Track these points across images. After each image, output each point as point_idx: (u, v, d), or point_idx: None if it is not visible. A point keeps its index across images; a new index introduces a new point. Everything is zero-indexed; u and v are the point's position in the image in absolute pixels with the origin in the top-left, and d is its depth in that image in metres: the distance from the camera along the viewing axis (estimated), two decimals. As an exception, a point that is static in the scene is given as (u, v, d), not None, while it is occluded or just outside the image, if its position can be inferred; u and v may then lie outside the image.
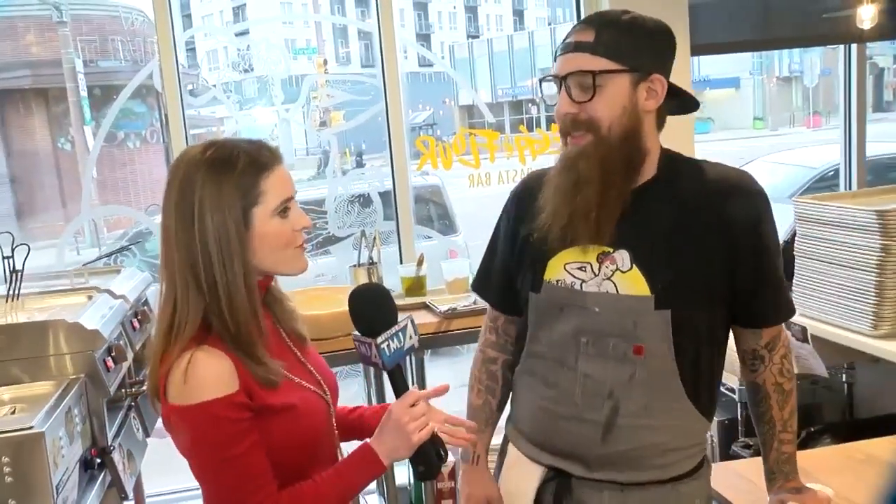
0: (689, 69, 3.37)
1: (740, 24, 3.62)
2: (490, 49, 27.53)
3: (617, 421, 1.39)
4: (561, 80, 1.38)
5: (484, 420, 1.62)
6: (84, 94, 13.60)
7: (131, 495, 2.02)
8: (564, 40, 1.40)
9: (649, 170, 1.41)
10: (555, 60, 1.42)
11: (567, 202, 1.38)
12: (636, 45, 1.35)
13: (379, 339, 1.28)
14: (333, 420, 1.39)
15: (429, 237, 3.51)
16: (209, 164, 1.23)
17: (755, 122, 28.15)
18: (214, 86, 3.65)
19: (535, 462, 1.50)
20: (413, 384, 1.39)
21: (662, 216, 1.39)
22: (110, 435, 1.98)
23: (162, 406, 1.24)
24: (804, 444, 2.15)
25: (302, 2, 28.42)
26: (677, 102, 1.44)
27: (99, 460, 1.92)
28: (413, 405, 1.30)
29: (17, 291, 2.02)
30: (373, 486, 3.24)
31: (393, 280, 3.20)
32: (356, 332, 1.32)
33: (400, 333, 1.31)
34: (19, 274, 2.02)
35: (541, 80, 1.48)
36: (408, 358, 2.94)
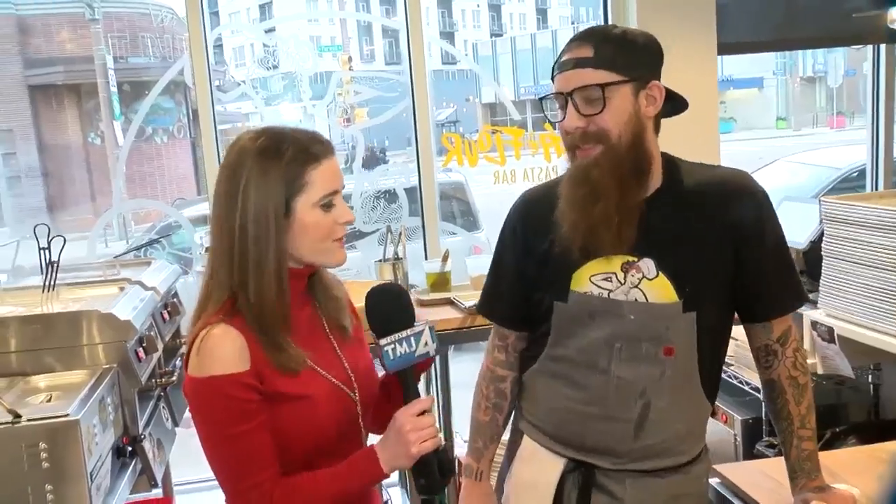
0: (715, 69, 3.35)
1: (767, 24, 3.60)
2: (513, 47, 27.50)
3: (649, 417, 1.46)
4: (566, 96, 1.42)
5: (489, 436, 1.66)
6: (114, 89, 13.79)
7: (160, 483, 2.05)
8: (561, 59, 1.45)
9: (657, 177, 1.47)
10: (552, 79, 1.47)
11: (586, 214, 1.42)
12: (632, 56, 1.41)
13: (382, 341, 1.25)
14: (360, 418, 1.37)
15: (453, 233, 3.53)
16: (259, 151, 1.26)
17: (778, 122, 27.90)
18: (243, 82, 3.70)
19: (556, 454, 1.53)
20: (434, 391, 1.36)
21: (677, 221, 1.44)
22: (141, 424, 2.02)
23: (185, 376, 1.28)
24: (829, 445, 2.15)
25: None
26: (670, 106, 1.49)
27: (130, 448, 1.96)
28: (421, 414, 1.27)
29: (53, 282, 2.07)
30: (395, 478, 3.26)
31: (418, 276, 3.22)
32: (371, 332, 1.31)
33: (412, 338, 1.27)
34: (55, 265, 2.06)
35: (541, 99, 1.51)
36: (434, 362, 2.97)
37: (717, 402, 2.39)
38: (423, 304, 3.04)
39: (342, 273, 3.53)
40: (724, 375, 2.36)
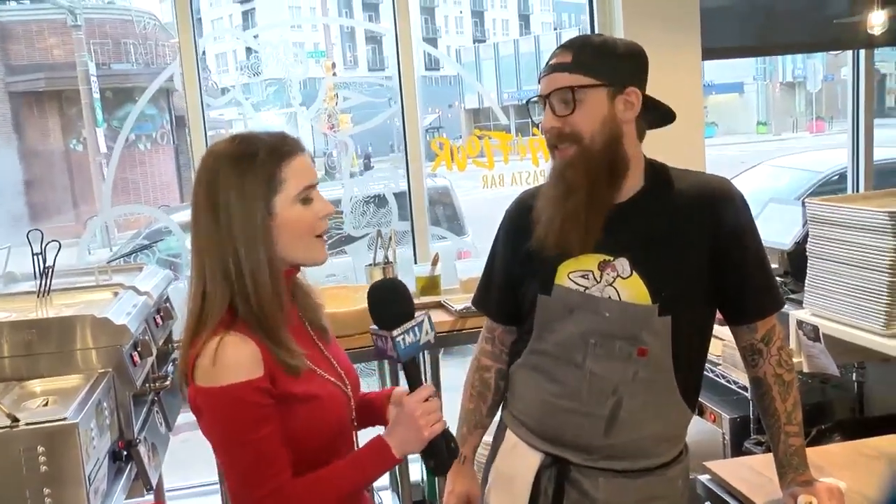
0: (700, 74, 3.40)
1: (749, 30, 3.66)
2: (496, 53, 27.58)
3: (619, 415, 1.50)
4: (545, 98, 1.51)
5: (473, 423, 1.73)
6: (97, 96, 13.70)
7: (154, 485, 2.06)
8: (546, 63, 1.53)
9: (637, 180, 1.53)
10: (539, 83, 1.55)
11: (559, 209, 1.50)
12: (609, 62, 1.48)
13: (395, 332, 1.30)
14: (353, 413, 1.42)
15: (443, 238, 3.55)
16: (232, 156, 1.28)
17: (759, 126, 28.15)
18: (230, 88, 3.71)
19: (534, 448, 1.59)
20: (427, 380, 1.42)
21: (656, 224, 1.50)
22: (136, 428, 2.03)
23: (189, 389, 1.29)
24: (815, 442, 2.18)
25: (311, 5, 28.53)
26: (657, 115, 1.56)
27: (126, 452, 1.97)
28: (426, 400, 1.32)
29: (48, 287, 2.07)
30: (386, 481, 3.28)
31: (408, 280, 3.24)
32: (374, 326, 1.35)
33: (416, 328, 1.33)
34: (50, 270, 2.07)
35: (527, 102, 1.61)
36: (423, 355, 2.99)
37: (704, 401, 2.45)
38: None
39: (328, 278, 3.56)
40: (711, 375, 2.42)
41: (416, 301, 2.97)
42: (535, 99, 1.54)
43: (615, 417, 1.50)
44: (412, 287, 3.21)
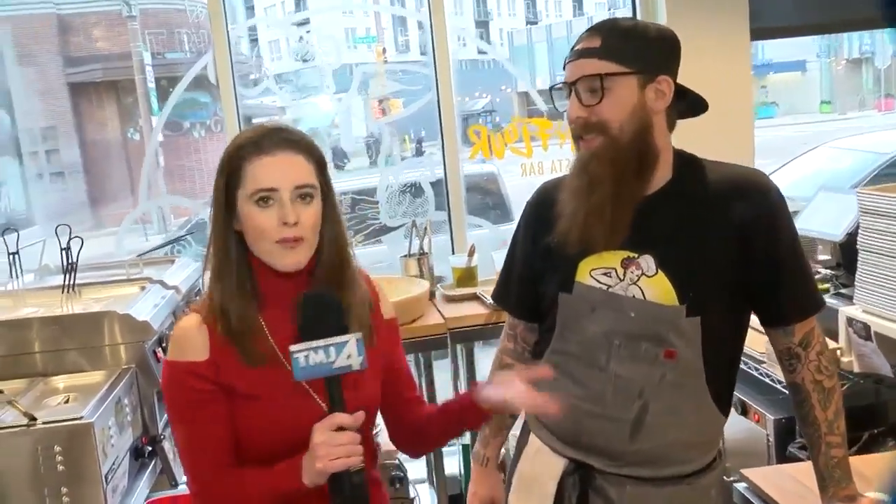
0: (749, 55, 3.25)
1: (807, 6, 3.48)
2: (549, 35, 27.20)
3: (645, 420, 1.42)
4: (571, 86, 1.42)
5: (497, 425, 1.67)
6: (151, 85, 13.96)
7: (179, 482, 2.05)
8: (572, 48, 1.44)
9: (665, 173, 1.44)
10: (564, 69, 1.45)
11: (582, 204, 1.41)
12: (641, 48, 1.40)
13: (293, 347, 1.15)
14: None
15: (479, 226, 3.48)
16: (233, 140, 1.31)
17: (822, 105, 27.20)
18: (266, 77, 3.69)
19: (558, 454, 1.52)
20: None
21: (683, 219, 1.41)
22: (161, 423, 2.02)
23: None
24: (867, 448, 2.06)
25: (362, -10, 28.53)
26: (689, 104, 1.47)
27: (150, 448, 1.96)
28: (339, 430, 1.17)
29: (72, 283, 2.07)
30: (423, 474, 3.24)
31: (445, 270, 3.19)
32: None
33: (332, 348, 1.16)
34: (74, 266, 2.07)
35: (551, 89, 1.51)
36: (457, 350, 2.93)
37: (748, 400, 2.33)
38: (449, 299, 3.00)
39: (374, 265, 3.50)
40: (755, 373, 2.30)
41: (451, 293, 2.98)
42: (560, 86, 1.45)
43: (641, 422, 1.43)
44: (449, 278, 3.15)
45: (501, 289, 1.69)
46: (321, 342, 1.16)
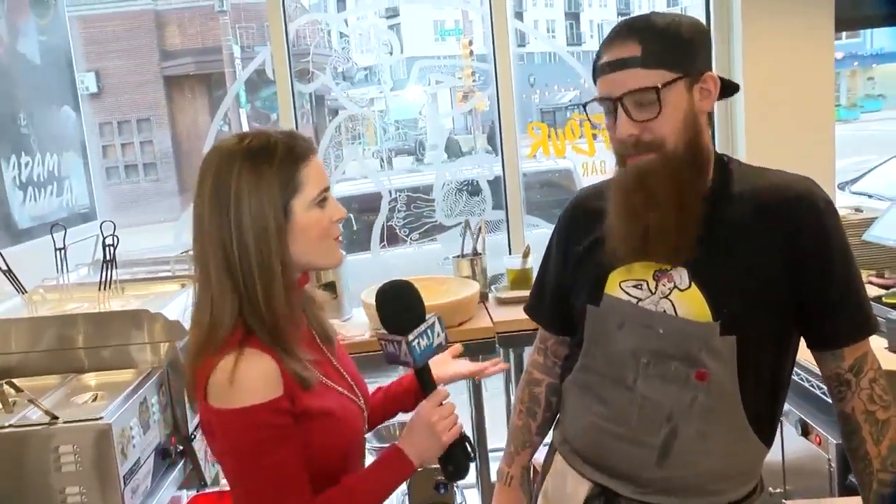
0: (832, 48, 3.02)
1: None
2: (640, 25, 26.50)
3: (674, 446, 1.32)
4: (615, 101, 1.27)
5: (521, 442, 1.61)
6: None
7: (209, 482, 2.05)
8: (602, 60, 1.29)
9: (705, 178, 1.32)
10: (595, 81, 1.32)
11: (638, 223, 1.29)
12: (682, 49, 1.26)
13: (410, 336, 1.25)
14: (366, 425, 1.37)
15: (536, 226, 3.38)
16: (246, 153, 1.19)
17: (936, 98, 25.60)
18: (356, 69, 3.69)
19: (583, 476, 1.43)
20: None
21: (721, 229, 1.29)
22: (192, 424, 2.02)
23: (201, 408, 1.21)
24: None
25: (450, -18, 28.53)
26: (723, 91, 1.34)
27: (180, 448, 1.96)
28: (441, 404, 1.29)
29: (109, 279, 2.09)
30: (472, 478, 3.17)
31: (501, 269, 3.10)
32: (382, 331, 1.29)
33: (429, 331, 1.29)
34: (111, 264, 2.09)
35: (584, 105, 1.39)
36: (506, 353, 2.84)
37: (810, 421, 2.16)
38: (501, 301, 2.92)
39: (442, 263, 3.45)
40: (818, 391, 2.13)
41: (505, 295, 2.89)
42: (597, 101, 1.31)
43: (669, 448, 1.32)
44: (503, 279, 3.07)
45: (534, 301, 1.61)
46: (422, 327, 1.28)
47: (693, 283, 1.28)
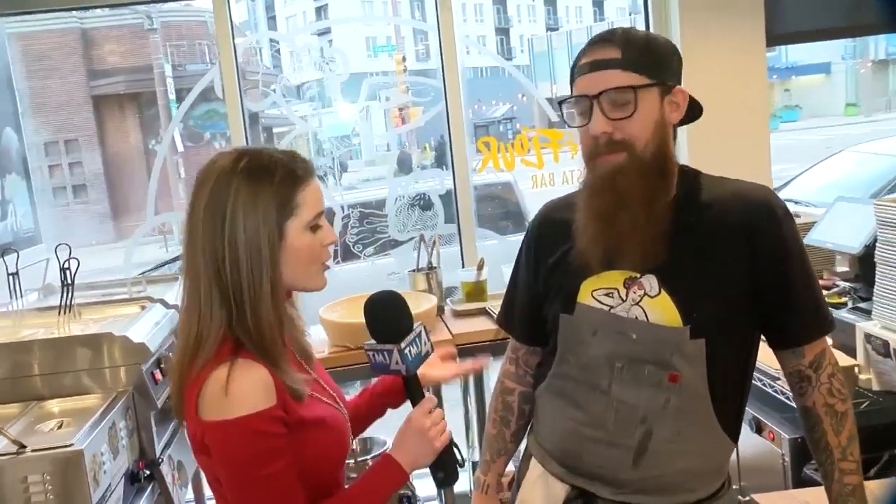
0: (764, 61, 3.18)
1: (827, 10, 3.40)
2: (569, 41, 27.09)
3: (649, 446, 1.36)
4: (592, 99, 1.33)
5: (497, 450, 1.63)
6: (172, 97, 14.11)
7: (180, 506, 2.02)
8: (583, 60, 1.36)
9: (670, 189, 1.38)
10: (572, 82, 1.37)
11: (609, 224, 1.33)
12: (658, 60, 1.34)
13: (402, 344, 1.27)
14: (351, 435, 1.38)
15: (487, 238, 3.43)
16: (245, 172, 1.19)
17: (847, 108, 26.83)
18: (287, 86, 3.68)
19: (560, 480, 1.47)
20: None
21: (686, 238, 1.35)
22: (159, 447, 1.99)
23: (190, 424, 1.20)
24: (886, 469, 1.98)
25: (382, 0, 28.65)
26: (688, 113, 1.41)
27: (147, 472, 1.93)
28: (430, 412, 1.31)
29: (69, 303, 2.05)
30: (433, 492, 3.18)
31: (455, 282, 3.14)
32: (370, 342, 1.30)
33: (416, 339, 1.30)
34: (70, 286, 2.05)
35: (561, 102, 1.42)
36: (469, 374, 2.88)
37: (763, 418, 2.25)
38: (457, 314, 2.95)
39: (369, 282, 3.48)
40: (770, 390, 2.23)
41: (461, 308, 2.93)
42: (572, 99, 1.36)
43: (644, 449, 1.36)
44: (458, 293, 3.11)
45: (505, 312, 1.64)
46: (411, 336, 1.29)
47: (663, 290, 1.34)
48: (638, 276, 1.35)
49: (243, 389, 1.15)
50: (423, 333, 1.33)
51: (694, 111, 1.42)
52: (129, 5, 12.92)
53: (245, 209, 1.18)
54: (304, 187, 1.22)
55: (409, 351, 1.28)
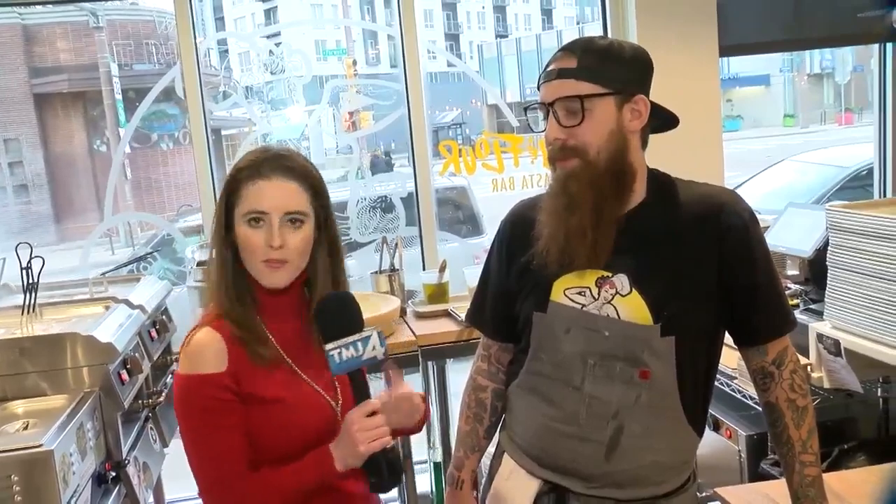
0: (717, 71, 3.28)
1: (772, 24, 3.52)
2: (518, 48, 27.36)
3: (621, 441, 1.41)
4: (548, 106, 1.40)
5: (470, 446, 1.66)
6: (119, 96, 13.82)
7: (147, 507, 2.00)
8: (546, 69, 1.43)
9: (639, 192, 1.44)
10: (538, 89, 1.44)
11: (562, 224, 1.40)
12: (617, 69, 1.39)
13: (328, 346, 1.29)
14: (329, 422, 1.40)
15: (446, 241, 3.46)
16: (240, 159, 1.36)
17: (785, 119, 27.72)
18: (236, 89, 3.65)
19: (532, 475, 1.50)
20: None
21: (656, 239, 1.41)
22: (125, 448, 1.97)
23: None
24: (837, 463, 2.07)
25: (332, 3, 28.51)
26: (661, 120, 1.47)
27: (114, 474, 1.91)
28: (372, 415, 1.31)
29: (32, 303, 2.01)
30: (394, 493, 3.19)
31: (417, 285, 3.16)
32: (333, 343, 1.32)
33: (359, 343, 1.30)
34: (34, 287, 2.01)
35: (526, 109, 1.51)
36: (429, 366, 2.90)
37: (720, 416, 2.33)
38: (420, 316, 2.97)
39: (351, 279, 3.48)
40: (727, 389, 2.30)
41: (423, 309, 2.95)
42: (535, 106, 1.45)
43: (616, 443, 1.41)
44: (420, 294, 3.13)
45: (475, 309, 1.67)
46: (351, 339, 1.29)
47: (634, 289, 1.39)
48: (610, 275, 1.41)
49: (195, 351, 1.30)
50: (376, 338, 1.33)
51: (669, 120, 1.47)
52: (74, 2, 12.60)
53: (222, 191, 1.36)
54: (253, 182, 1.32)
55: (339, 354, 1.29)
